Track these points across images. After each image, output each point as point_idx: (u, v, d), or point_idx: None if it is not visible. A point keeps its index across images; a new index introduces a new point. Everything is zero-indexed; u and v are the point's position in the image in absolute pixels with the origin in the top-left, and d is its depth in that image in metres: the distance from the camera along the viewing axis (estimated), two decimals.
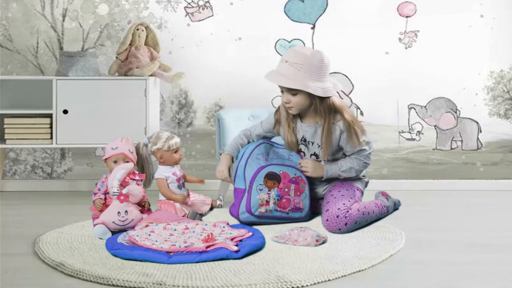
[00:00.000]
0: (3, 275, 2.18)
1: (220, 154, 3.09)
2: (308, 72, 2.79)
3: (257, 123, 3.14)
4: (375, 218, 2.90)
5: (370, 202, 2.93)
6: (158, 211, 2.88)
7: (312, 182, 3.00)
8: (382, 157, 3.97)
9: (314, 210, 3.02)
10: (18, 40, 3.87)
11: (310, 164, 2.93)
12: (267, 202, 2.83)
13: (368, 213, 2.83)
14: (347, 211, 2.74)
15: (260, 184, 2.84)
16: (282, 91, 2.89)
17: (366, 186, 3.09)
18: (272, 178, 2.86)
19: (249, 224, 2.83)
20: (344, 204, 2.77)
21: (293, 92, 2.83)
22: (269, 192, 2.84)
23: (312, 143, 2.96)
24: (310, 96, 2.83)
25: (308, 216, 2.93)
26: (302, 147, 2.99)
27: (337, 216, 2.72)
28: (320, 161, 2.96)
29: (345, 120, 2.86)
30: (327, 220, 2.75)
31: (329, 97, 2.85)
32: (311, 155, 2.98)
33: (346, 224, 2.72)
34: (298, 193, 2.89)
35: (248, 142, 3.09)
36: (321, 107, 2.86)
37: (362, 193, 3.01)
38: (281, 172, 2.87)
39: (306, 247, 2.49)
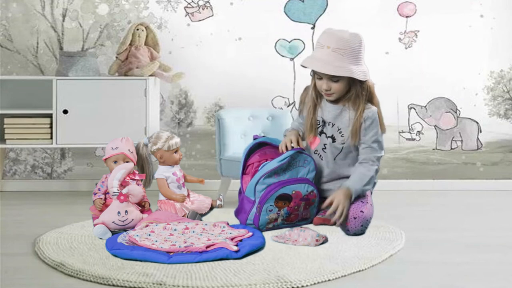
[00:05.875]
0: (3, 275, 2.18)
1: (285, 135, 2.92)
2: (351, 57, 2.72)
3: (296, 119, 3.08)
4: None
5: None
6: (158, 211, 2.88)
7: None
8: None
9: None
10: (18, 40, 3.87)
11: (342, 200, 2.67)
12: (276, 219, 2.77)
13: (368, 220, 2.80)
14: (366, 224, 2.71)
15: (271, 205, 2.72)
16: (320, 78, 2.78)
17: (374, 186, 2.91)
18: (284, 199, 2.74)
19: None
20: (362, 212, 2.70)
21: (335, 78, 2.74)
22: (278, 212, 2.75)
23: (333, 125, 2.84)
24: (350, 81, 2.77)
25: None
26: (320, 128, 2.86)
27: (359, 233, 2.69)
28: (336, 146, 2.83)
29: (375, 106, 2.82)
30: (348, 230, 2.68)
31: (366, 80, 2.79)
32: (328, 137, 2.85)
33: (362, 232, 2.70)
34: (307, 206, 2.81)
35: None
36: (363, 92, 2.78)
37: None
38: (293, 192, 2.74)
39: (306, 247, 2.49)
